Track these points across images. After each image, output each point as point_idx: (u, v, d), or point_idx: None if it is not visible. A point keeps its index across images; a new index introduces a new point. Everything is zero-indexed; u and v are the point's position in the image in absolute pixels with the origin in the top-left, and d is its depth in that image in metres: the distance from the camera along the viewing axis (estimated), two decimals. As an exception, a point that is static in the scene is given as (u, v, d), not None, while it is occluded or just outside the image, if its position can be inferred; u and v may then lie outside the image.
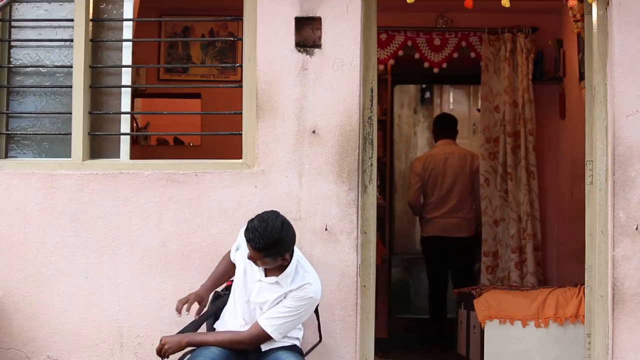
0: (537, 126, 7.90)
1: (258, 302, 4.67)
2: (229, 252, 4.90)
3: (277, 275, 4.62)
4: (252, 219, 4.54)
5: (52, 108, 5.45)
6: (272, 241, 4.48)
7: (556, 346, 6.31)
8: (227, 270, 4.89)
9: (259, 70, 5.18)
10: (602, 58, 5.20)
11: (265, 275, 4.66)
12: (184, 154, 7.36)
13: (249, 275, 4.70)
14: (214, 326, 4.83)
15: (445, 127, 8.40)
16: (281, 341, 4.69)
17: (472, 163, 8.17)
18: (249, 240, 4.51)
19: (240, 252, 4.77)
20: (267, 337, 4.62)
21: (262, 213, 4.58)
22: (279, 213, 4.60)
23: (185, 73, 8.03)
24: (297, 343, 4.78)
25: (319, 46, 5.17)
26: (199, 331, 4.75)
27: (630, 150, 5.12)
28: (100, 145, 5.38)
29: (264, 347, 4.69)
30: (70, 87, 5.32)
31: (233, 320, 4.72)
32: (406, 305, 10.22)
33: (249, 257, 4.58)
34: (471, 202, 8.16)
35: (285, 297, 4.62)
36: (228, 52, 7.98)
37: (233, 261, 4.85)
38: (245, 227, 4.58)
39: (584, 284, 5.34)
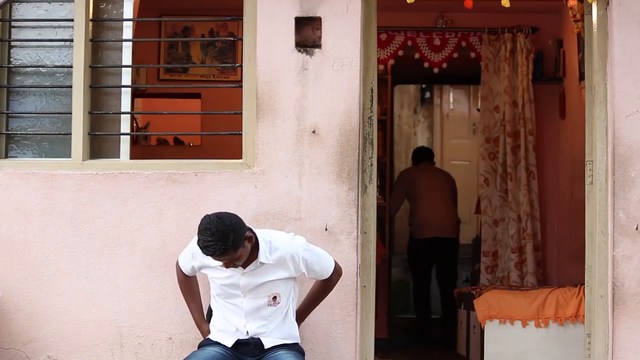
0: (537, 126, 7.90)
1: (259, 290, 4.65)
2: (180, 272, 4.88)
3: (256, 258, 4.60)
4: (198, 240, 4.46)
5: (52, 108, 5.45)
6: (226, 235, 4.41)
7: (556, 346, 6.31)
8: (196, 292, 4.92)
9: (259, 70, 5.18)
10: (602, 58, 5.20)
11: (244, 267, 4.62)
12: (184, 154, 7.36)
13: (229, 275, 4.66)
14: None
15: (423, 154, 9.02)
16: (284, 339, 4.71)
17: (452, 182, 8.85)
18: (212, 254, 4.44)
19: (201, 259, 4.72)
20: (336, 268, 4.81)
21: (199, 227, 4.48)
22: (207, 215, 4.52)
23: (185, 73, 8.04)
24: (299, 342, 4.79)
25: (319, 46, 5.17)
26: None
27: (630, 150, 5.12)
28: (100, 145, 5.38)
29: (267, 345, 4.68)
30: (70, 87, 5.32)
31: (232, 323, 4.72)
32: (406, 305, 10.22)
33: (227, 266, 4.55)
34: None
35: (298, 261, 4.66)
36: (228, 52, 7.98)
37: (191, 274, 4.87)
38: (196, 248, 4.57)
39: (584, 284, 5.33)
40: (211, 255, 4.47)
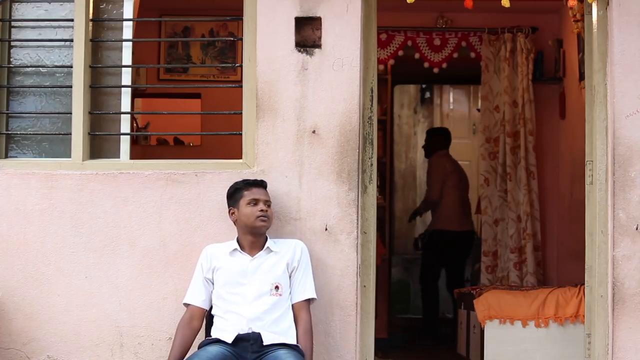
0: (537, 126, 7.90)
1: (264, 278, 4.81)
2: (186, 314, 4.88)
3: (263, 247, 4.87)
4: (235, 184, 4.94)
5: (52, 108, 5.45)
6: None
7: (556, 346, 6.31)
8: (187, 342, 4.84)
9: (259, 70, 5.18)
10: (602, 58, 5.20)
11: (252, 256, 4.86)
12: (184, 154, 7.36)
13: (240, 264, 4.83)
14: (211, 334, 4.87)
15: (440, 140, 8.80)
16: (284, 337, 4.73)
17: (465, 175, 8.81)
18: (251, 184, 4.89)
19: (212, 257, 4.88)
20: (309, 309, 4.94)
21: (232, 186, 4.97)
22: None
23: (185, 73, 8.04)
24: (299, 345, 4.79)
25: (319, 46, 5.17)
26: None
27: (630, 150, 5.12)
28: (100, 145, 5.38)
29: (266, 340, 4.71)
30: (70, 87, 5.32)
31: (233, 312, 4.76)
32: (406, 305, 10.23)
33: (256, 200, 4.83)
34: None
35: (299, 250, 4.91)
36: (228, 52, 7.98)
37: (204, 300, 4.87)
38: (202, 255, 4.92)
39: (584, 284, 5.33)
40: (252, 184, 4.89)
